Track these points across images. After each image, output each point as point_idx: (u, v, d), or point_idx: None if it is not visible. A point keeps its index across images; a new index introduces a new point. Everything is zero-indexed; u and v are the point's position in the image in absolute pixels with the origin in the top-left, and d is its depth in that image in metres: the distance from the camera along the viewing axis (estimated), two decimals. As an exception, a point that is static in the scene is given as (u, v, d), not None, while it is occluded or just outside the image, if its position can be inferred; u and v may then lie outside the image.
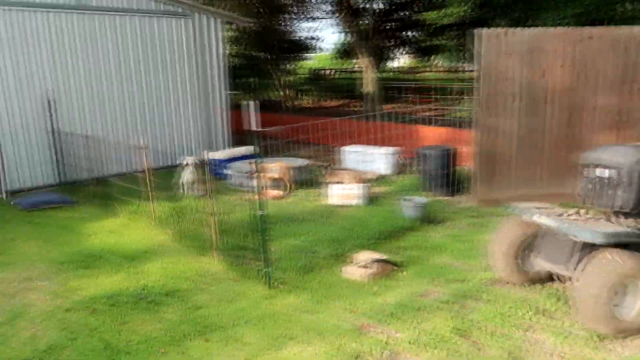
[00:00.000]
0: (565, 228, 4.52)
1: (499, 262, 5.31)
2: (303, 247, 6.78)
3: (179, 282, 6.03)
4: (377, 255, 6.10)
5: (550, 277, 5.40)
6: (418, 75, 28.59)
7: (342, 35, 27.72)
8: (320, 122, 7.66)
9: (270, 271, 5.81)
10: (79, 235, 7.85)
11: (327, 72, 27.12)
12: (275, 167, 9.64)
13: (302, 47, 26.43)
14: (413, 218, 7.70)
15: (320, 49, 29.83)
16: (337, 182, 9.42)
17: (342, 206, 8.78)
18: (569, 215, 4.78)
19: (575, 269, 4.57)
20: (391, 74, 28.39)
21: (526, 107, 8.14)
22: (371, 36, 19.66)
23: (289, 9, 22.92)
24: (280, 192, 9.62)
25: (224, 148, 13.17)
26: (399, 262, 6.31)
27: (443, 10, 12.02)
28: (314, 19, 23.62)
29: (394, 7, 20.59)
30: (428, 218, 7.84)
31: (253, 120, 5.23)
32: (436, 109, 16.63)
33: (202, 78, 12.94)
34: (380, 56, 21.88)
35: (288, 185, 9.81)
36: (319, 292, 5.62)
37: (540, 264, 5.07)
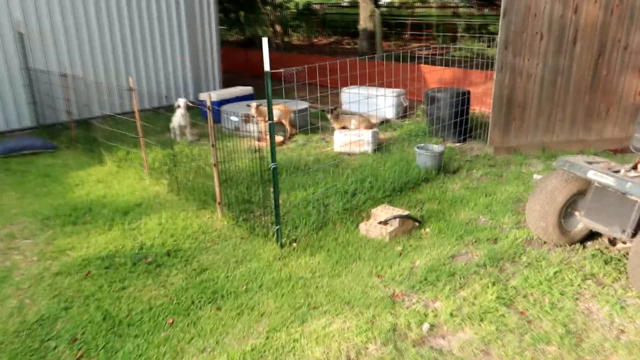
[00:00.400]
0: (628, 187, 3.99)
1: (538, 220, 4.79)
2: (313, 200, 6.22)
3: (180, 240, 5.46)
4: (397, 211, 5.57)
5: (589, 237, 4.95)
6: (413, 10, 27.31)
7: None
8: (328, 63, 6.90)
9: (281, 229, 5.26)
10: (64, 185, 7.15)
11: (318, 6, 25.71)
12: (274, 110, 8.87)
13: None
14: (428, 167, 7.14)
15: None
16: (343, 127, 8.76)
17: (349, 154, 8.17)
18: (627, 171, 4.25)
19: (633, 232, 4.09)
20: (384, 9, 27.03)
21: (553, 46, 7.47)
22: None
23: None
24: (281, 138, 8.92)
25: (215, 88, 12.29)
26: (420, 217, 5.81)
27: None
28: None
29: None
30: (443, 167, 7.30)
31: (267, 60, 4.50)
32: (435, 47, 15.78)
33: (189, 10, 11.82)
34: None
35: (289, 130, 9.09)
36: (336, 252, 5.10)
37: (589, 224, 4.58)
